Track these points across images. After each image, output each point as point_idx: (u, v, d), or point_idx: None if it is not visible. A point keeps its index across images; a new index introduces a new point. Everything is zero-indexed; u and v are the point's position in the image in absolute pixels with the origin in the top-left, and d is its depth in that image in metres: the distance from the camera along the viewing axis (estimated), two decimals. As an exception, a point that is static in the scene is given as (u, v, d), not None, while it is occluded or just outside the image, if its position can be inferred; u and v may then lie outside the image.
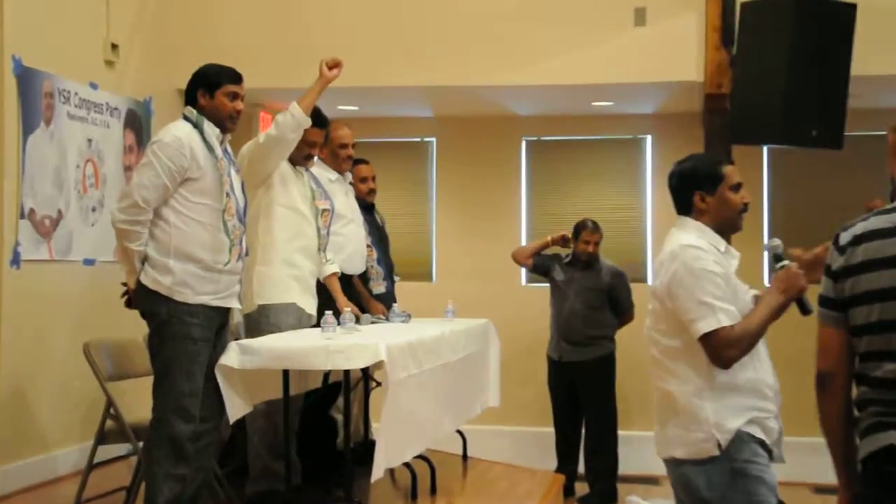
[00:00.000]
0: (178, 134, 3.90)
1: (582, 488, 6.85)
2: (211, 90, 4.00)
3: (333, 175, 5.15)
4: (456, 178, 8.18)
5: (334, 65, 4.57)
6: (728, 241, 3.18)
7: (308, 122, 4.52)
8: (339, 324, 4.18)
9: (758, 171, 7.67)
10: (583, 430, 6.85)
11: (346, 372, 4.08)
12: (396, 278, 5.75)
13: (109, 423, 4.46)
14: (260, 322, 4.51)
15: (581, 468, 6.86)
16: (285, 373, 4.08)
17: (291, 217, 4.62)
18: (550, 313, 6.87)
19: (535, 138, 8.18)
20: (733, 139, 6.02)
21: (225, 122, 4.03)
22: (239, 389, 4.04)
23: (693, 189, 3.14)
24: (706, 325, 2.92)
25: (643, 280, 7.56)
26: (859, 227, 2.44)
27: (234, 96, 4.03)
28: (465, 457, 5.67)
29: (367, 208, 5.53)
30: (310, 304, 4.67)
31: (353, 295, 5.03)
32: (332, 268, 4.80)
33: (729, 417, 2.95)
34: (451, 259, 8.16)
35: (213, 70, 4.06)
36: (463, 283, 7.74)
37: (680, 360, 3.02)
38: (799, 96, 5.67)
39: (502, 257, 7.19)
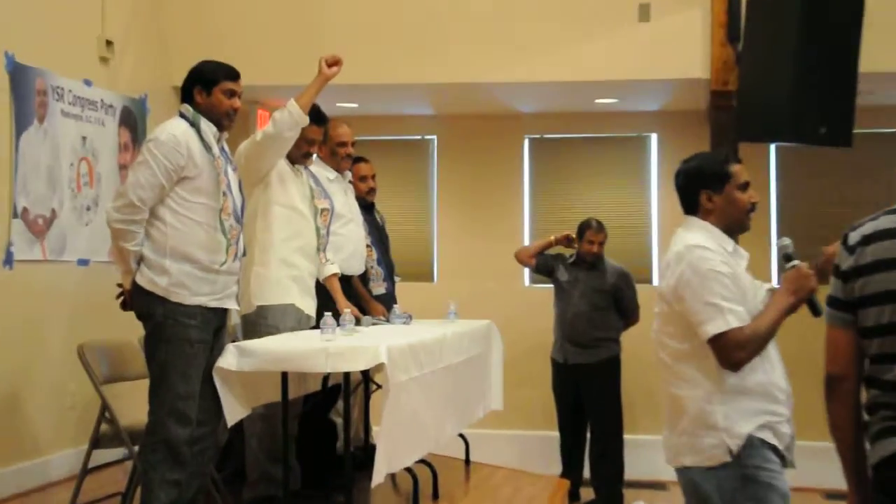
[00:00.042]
0: (174, 132, 3.90)
1: (587, 493, 6.85)
2: (208, 87, 4.00)
3: (332, 174, 5.15)
4: (457, 176, 8.18)
5: (334, 62, 4.57)
6: (735, 241, 3.18)
7: (306, 121, 4.52)
8: (338, 325, 4.19)
9: (765, 170, 7.67)
10: (588, 434, 6.85)
11: (346, 375, 4.08)
12: (397, 279, 5.75)
13: (104, 426, 4.45)
14: (258, 323, 4.52)
15: (586, 473, 6.87)
16: (284, 375, 4.08)
17: (290, 216, 4.62)
18: (554, 315, 6.88)
19: (537, 136, 8.19)
20: (740, 137, 6.02)
21: (222, 120, 4.03)
22: (237, 392, 4.04)
23: (700, 188, 3.14)
24: (715, 327, 2.92)
25: (648, 281, 7.57)
26: (869, 227, 2.43)
27: (232, 94, 4.03)
28: (467, 461, 5.67)
29: (367, 208, 5.53)
30: (309, 306, 4.67)
31: (352, 296, 5.03)
32: (332, 268, 4.80)
33: (740, 422, 2.94)
34: (452, 259, 8.17)
35: (210, 67, 4.06)
36: (465, 284, 7.74)
37: (689, 363, 3.02)
38: (807, 93, 5.66)
39: (505, 257, 7.19)
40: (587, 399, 6.77)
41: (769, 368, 3.01)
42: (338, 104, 7.29)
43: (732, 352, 2.91)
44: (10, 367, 5.19)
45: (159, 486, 3.84)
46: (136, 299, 3.92)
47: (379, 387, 4.74)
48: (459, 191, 8.19)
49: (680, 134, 7.55)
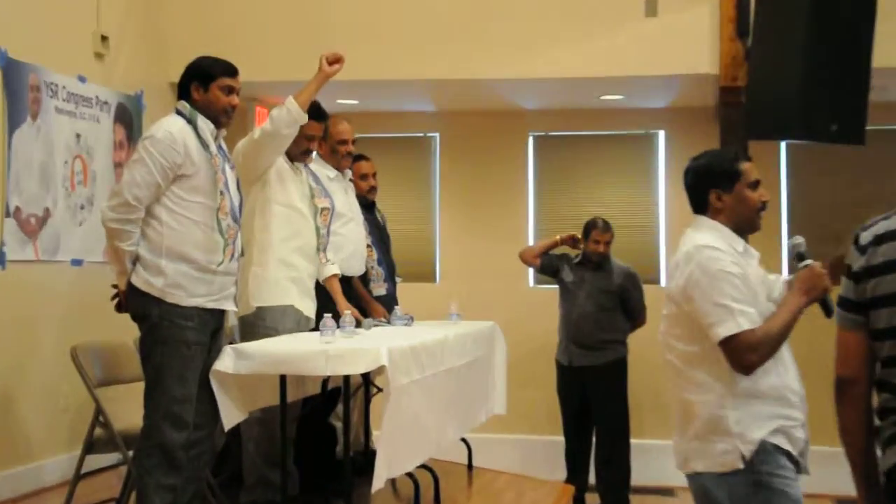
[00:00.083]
0: (170, 129, 3.90)
1: (593, 500, 6.84)
2: (205, 83, 4.01)
3: (332, 172, 5.15)
4: (460, 175, 8.19)
5: (335, 60, 4.57)
6: (745, 240, 3.18)
7: (304, 119, 4.52)
8: (338, 327, 4.19)
9: (775, 168, 7.67)
10: (593, 439, 6.85)
11: (346, 377, 4.08)
12: (398, 280, 5.75)
13: (98, 431, 4.45)
14: (256, 325, 4.52)
15: (592, 478, 6.86)
16: (282, 378, 4.09)
17: (289, 216, 4.63)
18: (559, 316, 6.87)
19: (542, 133, 8.19)
20: (749, 134, 6.01)
21: (220, 117, 4.03)
22: (234, 396, 4.04)
23: (709, 187, 3.14)
24: (726, 330, 2.91)
25: (656, 282, 7.57)
26: (881, 227, 2.43)
27: (230, 90, 4.04)
28: (469, 466, 5.67)
29: (368, 207, 5.53)
30: (308, 307, 4.67)
31: (353, 297, 5.03)
32: (333, 269, 4.81)
33: (752, 427, 2.94)
34: (455, 259, 8.17)
35: (207, 63, 4.07)
36: (468, 285, 7.75)
37: (699, 366, 3.01)
38: (818, 89, 5.65)
39: (509, 257, 7.19)
40: (593, 402, 6.76)
41: (782, 371, 3.01)
42: (338, 100, 7.30)
43: (744, 354, 2.91)
44: (1, 369, 5.20)
45: (154, 492, 3.84)
46: (132, 300, 3.92)
47: (379, 390, 4.75)
48: (462, 189, 8.20)
49: (688, 131, 7.56)
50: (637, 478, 6.88)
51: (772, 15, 5.85)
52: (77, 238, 5.77)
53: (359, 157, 5.49)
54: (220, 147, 4.05)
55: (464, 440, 5.44)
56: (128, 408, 4.50)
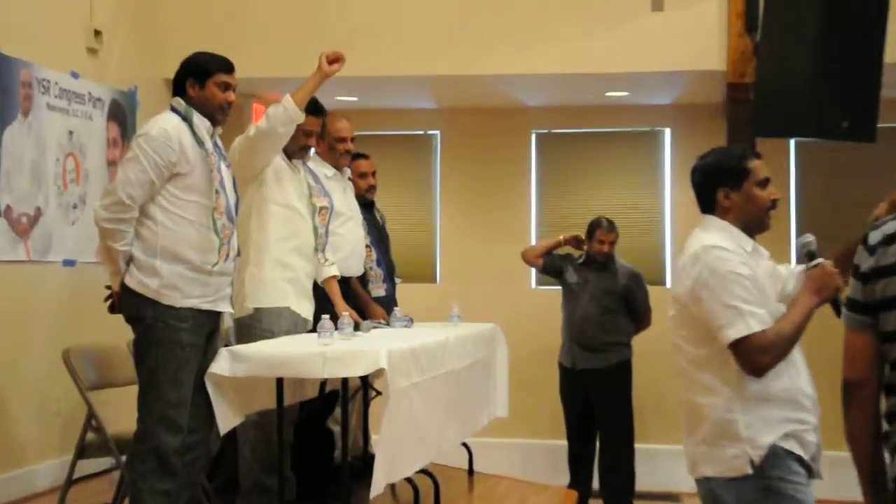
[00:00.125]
0: (165, 126, 3.91)
1: (596, 505, 6.86)
2: (201, 80, 4.01)
3: (330, 170, 5.15)
4: (461, 173, 8.19)
5: (335, 59, 4.55)
6: (754, 240, 3.17)
7: (301, 118, 4.52)
8: (336, 329, 4.20)
9: (784, 166, 7.67)
10: (597, 443, 6.85)
11: (344, 380, 4.09)
12: (398, 280, 5.76)
13: (90, 435, 4.46)
14: (252, 327, 4.52)
15: (595, 484, 6.87)
16: (279, 381, 4.09)
17: (286, 215, 4.63)
18: (562, 317, 6.87)
19: (545, 131, 8.19)
20: (758, 131, 6.01)
21: (216, 114, 4.04)
22: (230, 399, 4.04)
23: (717, 185, 3.13)
24: (736, 332, 2.89)
25: (661, 283, 7.57)
26: (891, 226, 2.42)
27: (226, 87, 4.04)
28: (470, 471, 5.67)
29: (367, 206, 5.53)
30: (306, 308, 4.68)
31: (351, 298, 5.03)
32: (331, 270, 4.81)
33: (763, 431, 2.92)
34: (455, 260, 8.18)
35: (203, 58, 4.07)
36: (469, 285, 7.76)
37: (708, 369, 3.00)
38: (828, 85, 5.65)
39: (511, 258, 7.19)
40: (596, 406, 6.76)
41: (794, 373, 2.99)
42: (337, 97, 7.30)
43: (755, 356, 2.89)
44: (-8, 372, 5.21)
45: (148, 497, 3.85)
46: (125, 301, 3.93)
47: (378, 393, 4.74)
48: (463, 188, 8.20)
49: (694, 128, 7.56)
50: (641, 483, 6.87)
51: (782, 9, 5.84)
52: (69, 238, 5.77)
53: (358, 156, 5.49)
54: (215, 145, 4.05)
55: (464, 444, 5.44)
56: (121, 411, 4.51)
